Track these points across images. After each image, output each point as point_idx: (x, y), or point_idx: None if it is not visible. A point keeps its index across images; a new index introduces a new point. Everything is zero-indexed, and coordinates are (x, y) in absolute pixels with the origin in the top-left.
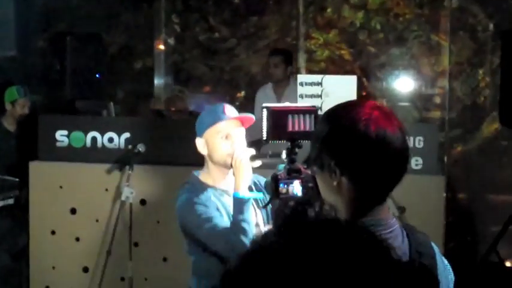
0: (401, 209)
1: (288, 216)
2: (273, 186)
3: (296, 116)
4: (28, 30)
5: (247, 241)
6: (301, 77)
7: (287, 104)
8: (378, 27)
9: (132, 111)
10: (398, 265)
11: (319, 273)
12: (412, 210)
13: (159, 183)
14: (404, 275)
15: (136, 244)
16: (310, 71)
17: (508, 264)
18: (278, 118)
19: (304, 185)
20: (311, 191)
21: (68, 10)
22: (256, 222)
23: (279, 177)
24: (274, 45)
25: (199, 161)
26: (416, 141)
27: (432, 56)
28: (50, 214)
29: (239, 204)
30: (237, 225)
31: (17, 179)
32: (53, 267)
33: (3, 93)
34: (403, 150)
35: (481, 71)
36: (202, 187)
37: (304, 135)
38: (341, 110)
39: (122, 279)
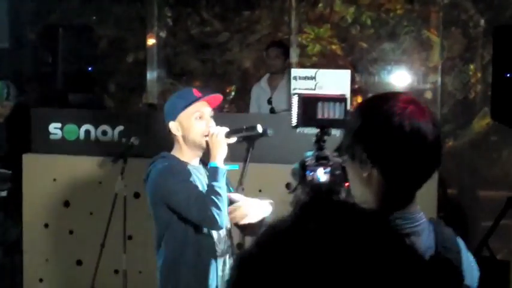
0: None
1: (308, 200)
2: (301, 173)
3: (326, 103)
4: (20, 22)
5: (219, 210)
6: (295, 71)
7: (317, 91)
8: (370, 22)
9: (124, 105)
10: (417, 260)
11: (335, 259)
12: None
13: None
14: (425, 273)
15: (130, 237)
16: (302, 66)
17: (499, 257)
18: (308, 105)
19: (331, 173)
20: (338, 179)
21: (60, 2)
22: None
23: (307, 164)
24: (266, 39)
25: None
26: None
27: (424, 51)
28: (43, 207)
29: (214, 172)
30: (212, 191)
31: (10, 171)
32: (47, 260)
33: None
34: (436, 145)
35: (472, 67)
36: (178, 160)
37: (333, 123)
38: (375, 103)
39: (116, 272)
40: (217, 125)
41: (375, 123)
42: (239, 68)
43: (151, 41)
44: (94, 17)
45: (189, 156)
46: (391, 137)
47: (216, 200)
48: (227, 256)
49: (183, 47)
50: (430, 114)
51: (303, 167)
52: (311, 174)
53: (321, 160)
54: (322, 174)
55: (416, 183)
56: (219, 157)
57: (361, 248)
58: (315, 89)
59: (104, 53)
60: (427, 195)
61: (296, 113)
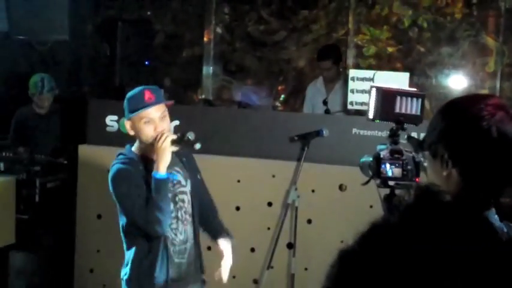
0: None
1: (414, 200)
2: (375, 166)
3: (404, 98)
4: (79, 15)
5: (161, 217)
6: (353, 72)
7: (396, 86)
8: (425, 25)
9: (179, 100)
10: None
11: (440, 260)
12: None
13: (205, 173)
14: None
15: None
16: (357, 67)
17: None
18: (387, 98)
19: (403, 168)
20: (410, 173)
21: None
22: (182, 191)
23: (382, 157)
24: (322, 39)
25: (247, 151)
26: None
27: (482, 56)
28: (96, 198)
29: (157, 183)
30: (154, 203)
31: (65, 162)
32: (98, 251)
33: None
34: None
35: None
36: (135, 159)
37: (410, 118)
38: (464, 104)
39: None
40: (274, 123)
41: (462, 125)
42: (294, 67)
43: (208, 37)
44: (152, 11)
45: (147, 150)
46: (476, 141)
47: (157, 214)
48: (187, 244)
49: (239, 44)
50: None
51: (378, 160)
52: (386, 167)
53: (395, 154)
54: (394, 168)
55: (495, 190)
56: (161, 166)
57: (467, 245)
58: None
59: (161, 47)
60: None
61: (374, 106)
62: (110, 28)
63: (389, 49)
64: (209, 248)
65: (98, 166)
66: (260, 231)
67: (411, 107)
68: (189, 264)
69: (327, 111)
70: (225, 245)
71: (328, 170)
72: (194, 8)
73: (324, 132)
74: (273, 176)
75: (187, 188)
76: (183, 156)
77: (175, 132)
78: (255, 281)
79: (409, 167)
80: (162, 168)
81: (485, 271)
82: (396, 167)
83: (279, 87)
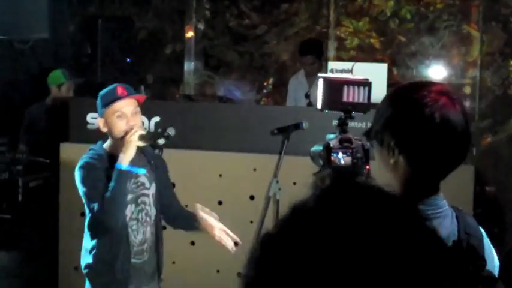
0: None
1: (331, 182)
2: (325, 155)
3: (351, 87)
4: (60, 14)
5: (116, 210)
6: (332, 64)
7: (342, 75)
8: (409, 16)
9: (161, 96)
10: (439, 243)
11: (356, 242)
12: None
13: (187, 168)
14: (447, 256)
15: (164, 227)
16: (340, 59)
17: None
18: (334, 88)
19: (353, 156)
20: (360, 161)
21: None
22: (145, 193)
23: (332, 146)
24: (304, 32)
25: (228, 146)
26: None
27: (463, 46)
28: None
29: (117, 174)
30: (111, 195)
31: (47, 160)
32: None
33: (45, 76)
34: (465, 137)
35: None
36: (103, 155)
37: (357, 106)
38: (408, 91)
39: None
40: (255, 117)
41: (406, 112)
42: (276, 60)
43: (189, 33)
44: (133, 9)
45: (118, 148)
46: (421, 127)
47: (112, 205)
48: (145, 246)
49: (221, 39)
50: (461, 106)
51: (328, 149)
52: (337, 156)
53: (344, 143)
54: (344, 157)
55: (441, 174)
56: (125, 158)
57: (383, 230)
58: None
59: (143, 44)
60: (463, 191)
61: (321, 96)
62: (91, 26)
63: (371, 41)
64: (192, 243)
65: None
66: (243, 224)
67: (358, 95)
68: (145, 264)
69: (309, 104)
70: (205, 211)
71: (309, 162)
72: (175, 4)
73: (304, 125)
74: (255, 170)
75: (151, 191)
76: (153, 159)
77: (156, 128)
78: (239, 275)
79: (358, 155)
80: (125, 161)
81: (397, 259)
82: (346, 155)
83: (262, 82)
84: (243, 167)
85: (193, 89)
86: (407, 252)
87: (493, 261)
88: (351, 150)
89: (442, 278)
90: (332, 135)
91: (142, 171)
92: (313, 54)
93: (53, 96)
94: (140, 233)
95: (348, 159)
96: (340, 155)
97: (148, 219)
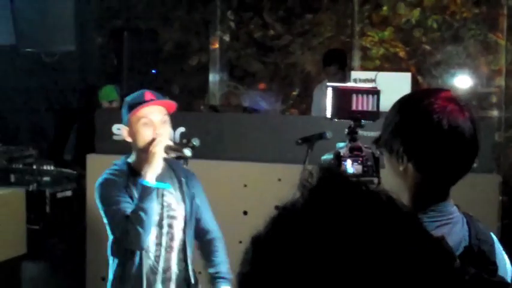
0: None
1: (317, 181)
2: (336, 164)
3: (360, 95)
4: (86, 26)
5: (141, 230)
6: (355, 74)
7: (350, 84)
8: (434, 25)
9: (186, 107)
10: (424, 240)
11: (343, 242)
12: (467, 209)
13: (212, 178)
14: (451, 268)
15: None
16: (364, 69)
17: None
18: (343, 97)
19: (363, 164)
20: (370, 170)
21: (125, 6)
22: (172, 215)
23: (342, 154)
24: (328, 42)
25: (252, 157)
26: None
27: (489, 54)
28: None
29: (143, 191)
30: (135, 213)
31: (75, 172)
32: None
33: (94, 91)
34: (473, 143)
35: None
36: (125, 170)
37: (367, 114)
38: (416, 99)
39: None
40: (280, 127)
41: (414, 119)
42: (301, 71)
43: (214, 44)
44: (158, 21)
45: (143, 162)
46: (429, 134)
47: (136, 227)
48: (170, 273)
49: (246, 50)
50: (469, 113)
51: (338, 157)
52: (345, 164)
53: (354, 151)
54: (355, 165)
55: (450, 180)
56: (150, 173)
57: (372, 231)
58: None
59: (168, 55)
60: (488, 201)
61: (331, 105)
62: (117, 38)
63: (396, 50)
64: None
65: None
66: None
67: (367, 103)
68: None
69: None
70: None
71: None
72: (200, 15)
73: (328, 134)
74: (279, 180)
75: (179, 213)
76: (184, 176)
77: (181, 138)
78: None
79: (369, 163)
80: (149, 176)
81: (383, 259)
82: (357, 164)
83: (287, 92)
84: (268, 177)
85: (219, 99)
86: (394, 252)
87: (505, 266)
88: (361, 159)
89: (427, 277)
90: (342, 144)
91: (167, 186)
92: (337, 64)
93: None
94: (162, 259)
95: (359, 167)
96: (350, 163)
97: (173, 245)
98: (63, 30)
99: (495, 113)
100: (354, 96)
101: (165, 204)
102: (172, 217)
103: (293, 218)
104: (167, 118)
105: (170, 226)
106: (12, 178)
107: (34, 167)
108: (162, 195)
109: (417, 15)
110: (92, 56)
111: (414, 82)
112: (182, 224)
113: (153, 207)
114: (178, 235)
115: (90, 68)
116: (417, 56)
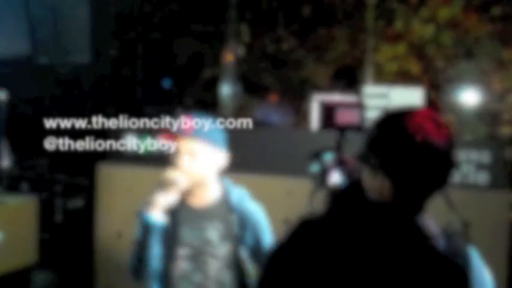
0: (466, 224)
1: (335, 197)
2: (321, 175)
3: (344, 109)
4: (101, 38)
5: (132, 265)
6: (368, 89)
7: (337, 98)
8: (448, 41)
9: None
10: (435, 251)
11: (363, 253)
12: (478, 226)
13: None
14: (440, 263)
15: None
16: (377, 84)
17: None
18: (328, 111)
19: (350, 176)
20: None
21: (139, 18)
22: (212, 253)
23: (328, 166)
24: (341, 57)
25: (264, 169)
26: (483, 156)
27: (502, 71)
28: (116, 216)
29: (142, 226)
30: (135, 247)
31: (86, 182)
32: (118, 270)
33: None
34: (446, 161)
35: None
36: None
37: (350, 127)
38: (394, 116)
39: None
40: (291, 140)
41: (389, 135)
42: (314, 85)
43: (227, 57)
44: (172, 33)
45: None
46: (401, 149)
47: (133, 260)
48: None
49: (259, 63)
50: (445, 131)
51: (324, 169)
52: (333, 176)
53: (340, 163)
54: (344, 178)
55: (423, 195)
56: (156, 205)
57: (386, 243)
58: (387, 107)
59: (182, 68)
60: (499, 218)
61: (318, 119)
62: (131, 49)
63: (408, 65)
64: None
65: (117, 185)
66: None
67: (351, 117)
68: None
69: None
70: None
71: None
72: (214, 28)
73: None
74: (289, 193)
75: (221, 252)
76: (242, 213)
77: None
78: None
79: (354, 176)
80: (155, 209)
81: (403, 270)
82: (343, 175)
83: (300, 106)
84: (278, 190)
85: (231, 112)
86: (401, 258)
87: (483, 279)
88: (347, 171)
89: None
90: (329, 155)
91: (213, 232)
92: (344, 80)
93: None
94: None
95: (344, 178)
96: (336, 175)
97: (208, 284)
98: (78, 43)
99: (507, 129)
100: (339, 110)
101: (204, 238)
102: (209, 255)
103: (312, 231)
104: (195, 148)
105: (205, 263)
106: (25, 186)
107: (46, 176)
108: (203, 228)
109: (431, 31)
110: (106, 67)
111: (426, 98)
112: (223, 265)
113: (148, 244)
114: (214, 275)
115: (105, 79)
116: (430, 71)
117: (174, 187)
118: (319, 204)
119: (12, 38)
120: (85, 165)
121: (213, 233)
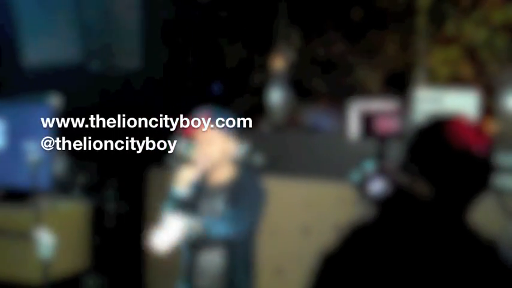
0: None
1: (388, 201)
2: (361, 183)
3: (384, 117)
4: (152, 44)
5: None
6: (420, 93)
7: (376, 105)
8: (501, 44)
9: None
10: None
11: (417, 256)
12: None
13: (275, 196)
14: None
15: None
16: (430, 88)
17: None
18: (367, 119)
19: (391, 185)
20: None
21: (189, 23)
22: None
23: (368, 175)
24: (392, 61)
25: (315, 175)
26: None
27: None
28: None
29: (172, 197)
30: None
31: (136, 185)
32: (169, 275)
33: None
34: (485, 168)
35: None
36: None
37: (391, 135)
38: (433, 124)
39: None
40: (338, 146)
41: (428, 142)
42: (365, 89)
43: (277, 62)
44: (222, 38)
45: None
46: (440, 156)
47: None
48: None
49: (310, 67)
50: (484, 138)
51: (364, 177)
52: (373, 184)
53: (381, 172)
54: (385, 187)
55: (463, 201)
56: (181, 181)
57: (442, 246)
58: (440, 111)
59: (232, 73)
60: None
61: (357, 127)
62: (181, 55)
63: (461, 69)
64: (279, 272)
65: (167, 189)
66: None
67: (391, 124)
68: None
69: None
70: None
71: None
72: (263, 33)
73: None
74: (340, 198)
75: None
76: (244, 189)
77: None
78: None
79: (395, 184)
80: (178, 183)
81: (460, 270)
82: (384, 183)
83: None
84: (329, 195)
85: (281, 117)
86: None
87: None
88: (388, 179)
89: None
90: (370, 164)
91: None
92: (395, 86)
93: None
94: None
95: (385, 187)
96: (378, 183)
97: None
98: (129, 48)
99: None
100: (378, 118)
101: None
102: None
103: (364, 235)
104: (210, 138)
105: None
106: (77, 191)
107: (96, 181)
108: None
109: (484, 34)
110: (157, 73)
111: (480, 102)
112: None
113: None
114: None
115: (157, 84)
116: (483, 75)
117: (195, 167)
118: (363, 211)
119: (64, 44)
120: (136, 169)
121: (220, 204)
